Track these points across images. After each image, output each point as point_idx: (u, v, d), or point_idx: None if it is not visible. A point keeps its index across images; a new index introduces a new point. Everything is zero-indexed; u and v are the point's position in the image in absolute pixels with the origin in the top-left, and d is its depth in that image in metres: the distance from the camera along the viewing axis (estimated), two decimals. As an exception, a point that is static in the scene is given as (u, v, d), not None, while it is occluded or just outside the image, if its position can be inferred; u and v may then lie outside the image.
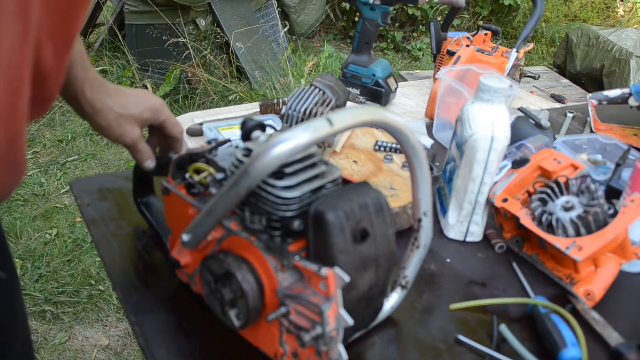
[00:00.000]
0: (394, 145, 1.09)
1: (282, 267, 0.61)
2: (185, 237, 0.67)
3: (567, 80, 2.20)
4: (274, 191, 0.60)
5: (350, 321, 0.58)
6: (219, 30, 3.47)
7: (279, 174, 0.60)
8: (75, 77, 0.70)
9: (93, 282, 2.11)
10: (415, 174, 0.67)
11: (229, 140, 0.74)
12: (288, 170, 0.61)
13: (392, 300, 0.75)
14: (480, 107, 0.90)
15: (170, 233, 0.78)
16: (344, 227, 0.59)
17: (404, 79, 2.71)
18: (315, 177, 0.63)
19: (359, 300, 0.65)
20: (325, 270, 0.57)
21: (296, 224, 0.60)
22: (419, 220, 0.72)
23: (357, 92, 1.48)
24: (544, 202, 0.88)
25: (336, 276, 0.57)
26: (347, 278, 0.57)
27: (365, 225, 0.62)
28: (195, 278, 0.73)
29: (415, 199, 0.70)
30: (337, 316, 0.59)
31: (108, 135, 0.76)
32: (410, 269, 0.76)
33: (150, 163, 0.80)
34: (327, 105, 1.01)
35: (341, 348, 0.60)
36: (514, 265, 0.90)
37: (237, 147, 0.69)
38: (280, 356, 0.65)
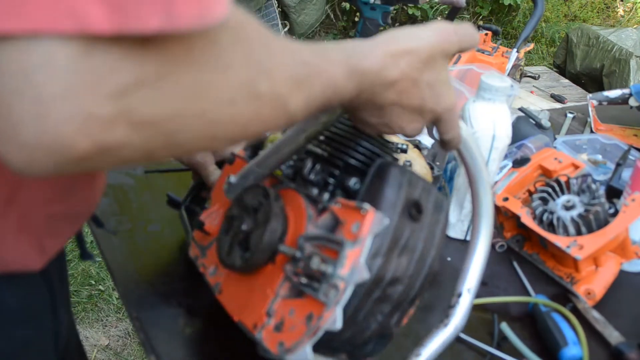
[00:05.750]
0: (402, 146, 1.08)
1: (317, 216, 0.55)
2: (233, 179, 0.63)
3: (567, 80, 2.19)
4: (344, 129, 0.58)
5: (366, 275, 0.49)
6: (219, 30, 3.47)
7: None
8: None
9: (93, 282, 2.11)
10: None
11: None
12: None
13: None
14: (482, 106, 0.90)
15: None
16: (403, 184, 0.53)
17: (404, 79, 2.70)
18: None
19: (379, 299, 0.53)
20: (367, 206, 0.50)
21: (352, 181, 0.55)
22: (459, 296, 0.60)
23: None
24: (544, 201, 0.88)
25: (376, 217, 0.50)
26: (387, 221, 0.51)
27: (422, 203, 0.54)
28: (209, 250, 0.68)
29: (465, 269, 0.61)
30: (354, 265, 0.49)
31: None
32: (427, 348, 0.58)
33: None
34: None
35: (339, 312, 0.49)
36: (515, 264, 0.91)
37: None
38: (263, 323, 0.55)
